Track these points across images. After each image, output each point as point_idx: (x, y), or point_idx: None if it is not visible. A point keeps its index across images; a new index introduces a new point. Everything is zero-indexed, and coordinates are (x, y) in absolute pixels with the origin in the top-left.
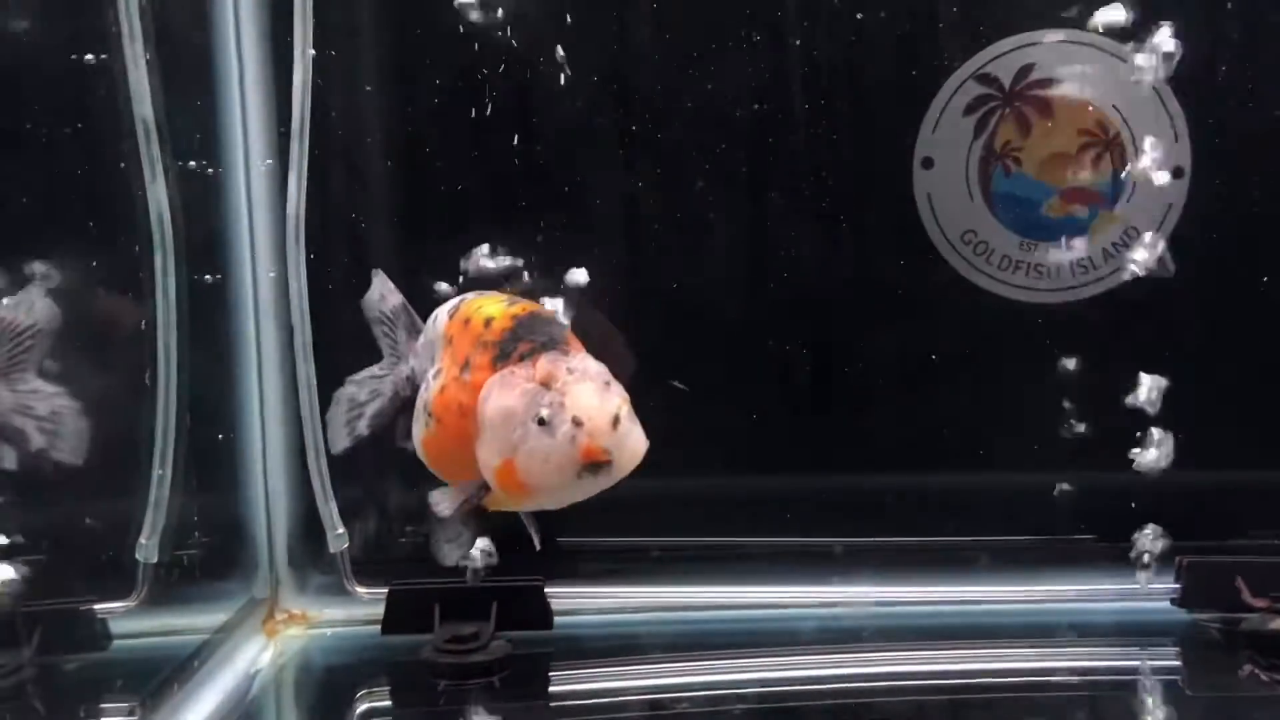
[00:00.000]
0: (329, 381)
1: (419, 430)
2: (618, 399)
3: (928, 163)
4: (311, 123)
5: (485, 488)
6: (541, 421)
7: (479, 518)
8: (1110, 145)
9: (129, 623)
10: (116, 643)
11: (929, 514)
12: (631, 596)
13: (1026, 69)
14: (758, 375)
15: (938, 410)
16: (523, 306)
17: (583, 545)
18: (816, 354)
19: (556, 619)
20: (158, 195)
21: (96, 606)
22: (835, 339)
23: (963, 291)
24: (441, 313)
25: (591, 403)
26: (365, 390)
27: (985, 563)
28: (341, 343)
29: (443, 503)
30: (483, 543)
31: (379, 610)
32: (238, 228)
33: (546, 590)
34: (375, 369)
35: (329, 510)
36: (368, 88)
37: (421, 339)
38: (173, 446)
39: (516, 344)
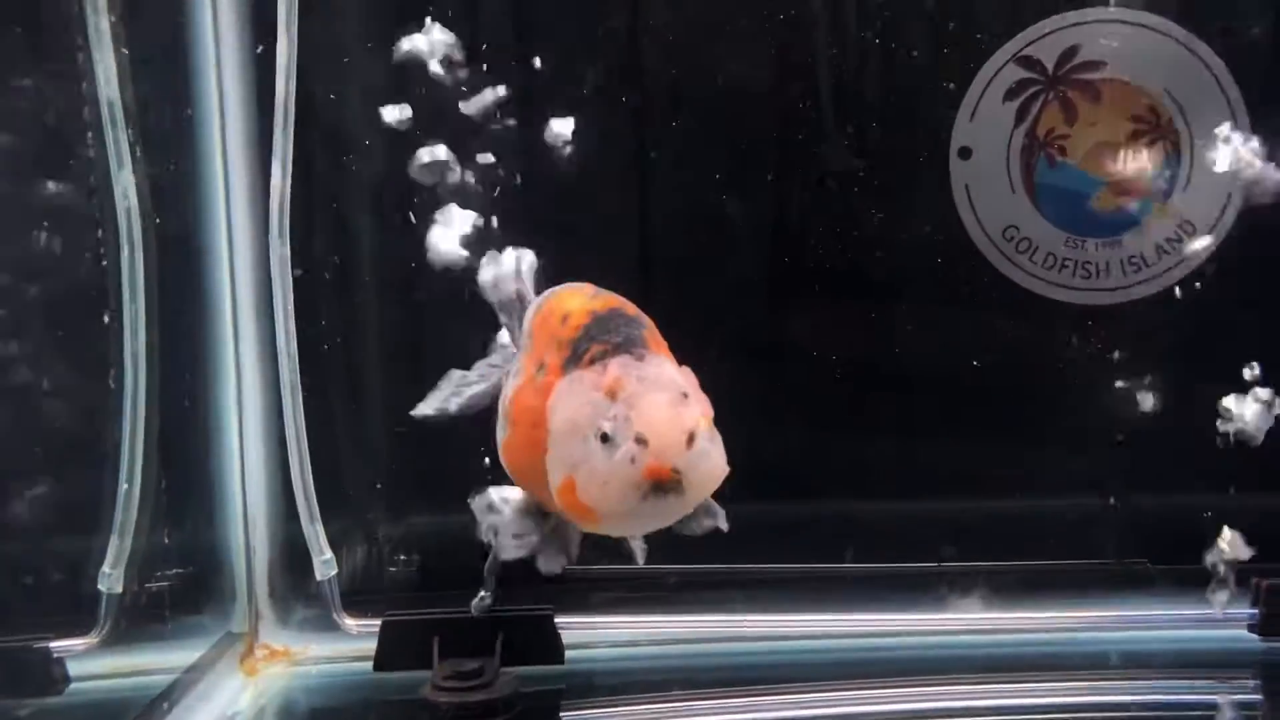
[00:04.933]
0: (316, 396)
1: (499, 433)
2: (695, 413)
3: (965, 152)
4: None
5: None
6: (605, 438)
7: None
8: (1163, 133)
9: (90, 662)
10: (75, 685)
11: (968, 535)
12: (647, 627)
13: (1072, 50)
14: (782, 385)
15: (978, 422)
16: (604, 301)
17: (591, 573)
18: (846, 363)
19: (567, 653)
20: (125, 184)
21: (53, 644)
22: (866, 346)
23: (1004, 292)
24: (534, 305)
25: (659, 417)
26: (476, 371)
27: (1034, 589)
28: (330, 347)
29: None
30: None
31: (370, 646)
32: (213, 220)
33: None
34: (494, 357)
35: (315, 533)
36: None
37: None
38: (140, 464)
39: (589, 344)
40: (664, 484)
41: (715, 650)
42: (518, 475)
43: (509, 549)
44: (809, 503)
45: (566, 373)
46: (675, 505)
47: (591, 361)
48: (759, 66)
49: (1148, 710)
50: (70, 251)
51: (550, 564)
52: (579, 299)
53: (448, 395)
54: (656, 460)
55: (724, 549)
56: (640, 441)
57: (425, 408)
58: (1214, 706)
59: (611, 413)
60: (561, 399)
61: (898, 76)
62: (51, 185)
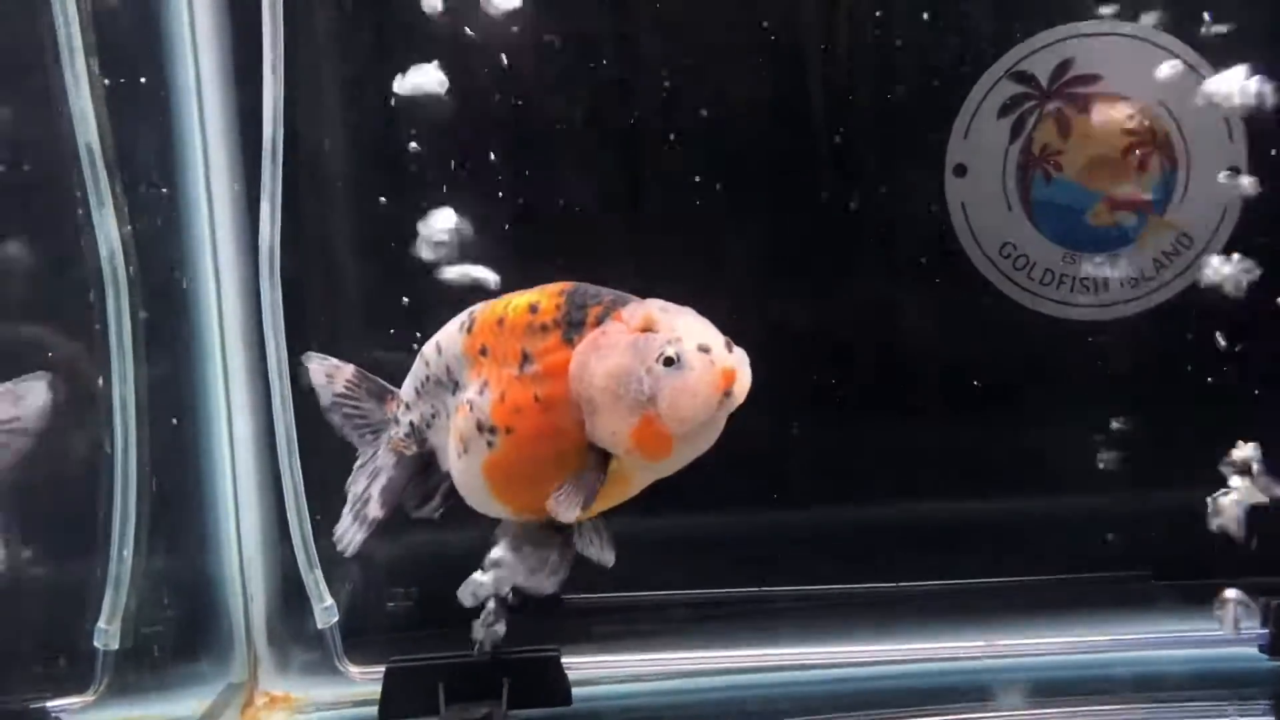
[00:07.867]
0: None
1: (477, 458)
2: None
3: (960, 170)
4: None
5: (601, 471)
6: (669, 361)
7: (563, 540)
8: (1158, 146)
9: None
10: None
11: (972, 553)
12: (654, 662)
13: (1065, 65)
14: (780, 403)
15: (978, 441)
16: (563, 284)
17: (592, 603)
18: (845, 381)
19: (572, 690)
20: (107, 227)
21: (50, 704)
22: (865, 364)
23: (1003, 309)
24: (447, 335)
25: (704, 328)
26: (361, 479)
27: (1035, 608)
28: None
29: (564, 505)
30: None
31: (372, 690)
32: (200, 260)
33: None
34: (359, 461)
35: (314, 580)
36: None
37: (417, 381)
38: (134, 515)
39: (583, 311)
40: (731, 386)
41: (721, 684)
42: (515, 483)
43: (542, 584)
44: (814, 519)
45: (572, 343)
46: (727, 411)
47: (598, 321)
48: (754, 84)
49: None
50: (54, 299)
51: (546, 586)
52: (528, 294)
53: (359, 515)
54: (722, 363)
55: (731, 573)
56: (704, 349)
57: (353, 542)
58: None
59: (661, 340)
60: (593, 358)
61: (891, 94)
62: (36, 226)
